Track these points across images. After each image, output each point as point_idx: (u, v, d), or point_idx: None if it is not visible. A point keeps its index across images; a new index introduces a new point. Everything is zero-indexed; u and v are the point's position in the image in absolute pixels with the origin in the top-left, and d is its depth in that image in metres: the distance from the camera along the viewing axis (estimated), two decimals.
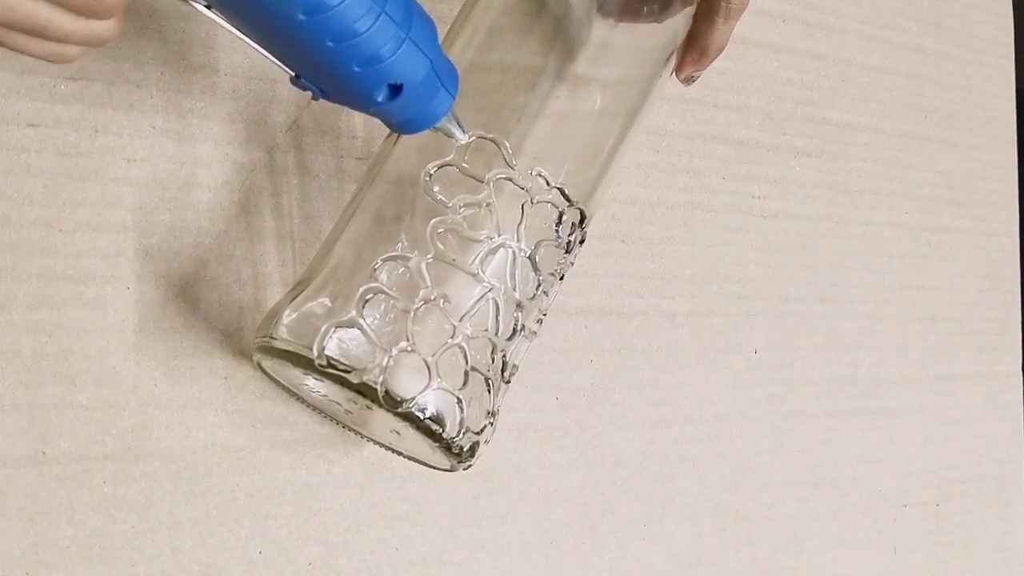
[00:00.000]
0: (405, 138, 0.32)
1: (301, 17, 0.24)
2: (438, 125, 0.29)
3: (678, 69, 0.35)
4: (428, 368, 0.29)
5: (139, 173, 0.33)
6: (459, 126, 0.30)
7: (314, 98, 0.27)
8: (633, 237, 0.43)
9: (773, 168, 0.48)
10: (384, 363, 0.29)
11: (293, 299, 0.31)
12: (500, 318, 0.31)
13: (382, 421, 0.31)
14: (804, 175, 0.49)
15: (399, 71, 0.26)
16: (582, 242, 0.34)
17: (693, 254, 0.45)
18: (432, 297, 0.29)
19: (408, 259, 0.30)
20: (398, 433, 0.32)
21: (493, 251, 0.31)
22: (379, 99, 0.27)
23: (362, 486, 0.36)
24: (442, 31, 0.37)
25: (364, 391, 0.28)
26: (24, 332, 0.31)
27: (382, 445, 0.35)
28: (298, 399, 0.35)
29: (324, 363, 0.29)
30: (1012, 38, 0.60)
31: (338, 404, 0.32)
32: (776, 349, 0.48)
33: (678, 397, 0.44)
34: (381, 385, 0.28)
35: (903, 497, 0.52)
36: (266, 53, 0.26)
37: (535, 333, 0.33)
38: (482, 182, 0.31)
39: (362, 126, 0.37)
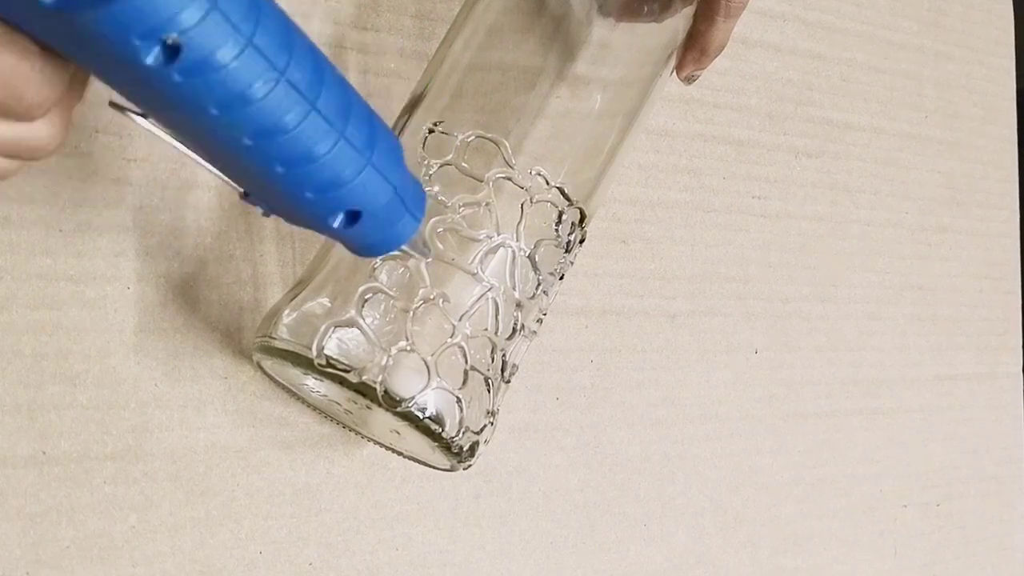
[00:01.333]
0: (405, 137, 0.32)
1: (247, 142, 0.21)
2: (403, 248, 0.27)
3: (679, 68, 0.35)
4: (427, 367, 0.29)
5: (139, 173, 0.33)
6: (425, 246, 0.28)
7: (264, 214, 0.25)
8: (634, 237, 0.43)
9: (774, 168, 0.48)
10: (383, 362, 0.29)
11: (293, 299, 0.31)
12: (500, 318, 0.31)
13: (382, 421, 0.31)
14: (805, 175, 0.49)
15: (358, 198, 0.24)
16: (582, 241, 0.34)
17: (694, 254, 0.45)
18: (431, 296, 0.29)
19: (407, 259, 0.30)
20: (398, 433, 0.32)
21: (493, 250, 0.30)
22: (335, 225, 0.24)
23: (362, 486, 0.36)
24: (442, 31, 0.37)
25: (363, 391, 0.28)
26: (24, 332, 0.31)
27: (383, 445, 0.35)
28: (298, 399, 0.35)
29: (323, 362, 0.29)
30: (1012, 38, 0.60)
31: (338, 404, 0.32)
32: (776, 349, 0.47)
33: (678, 397, 0.44)
34: (380, 384, 0.28)
35: (903, 497, 0.52)
36: (211, 168, 0.24)
37: (535, 333, 0.33)
38: (481, 181, 0.31)
39: None
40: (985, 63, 0.58)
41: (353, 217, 0.24)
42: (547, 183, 0.31)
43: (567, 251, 0.33)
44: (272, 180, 0.23)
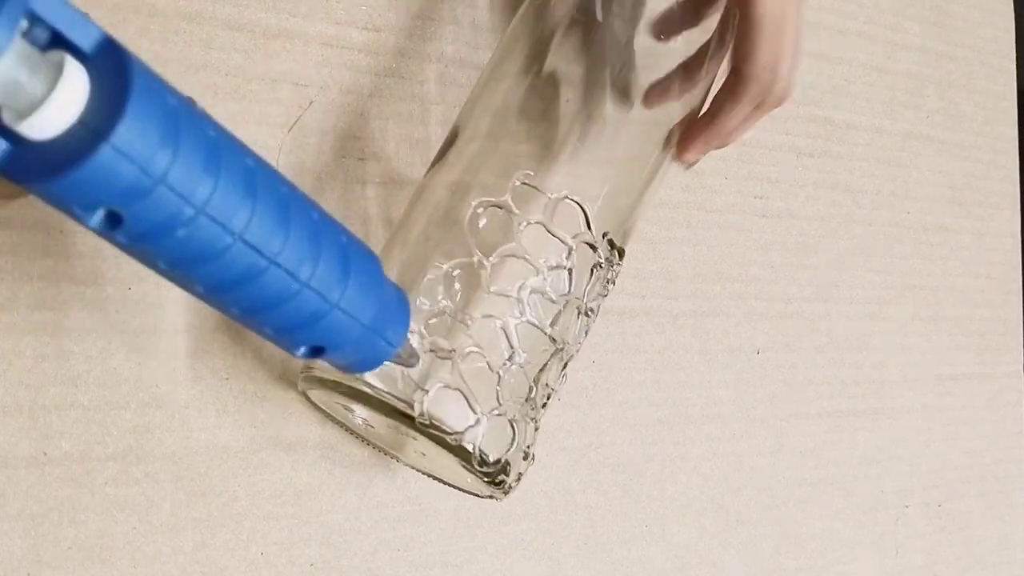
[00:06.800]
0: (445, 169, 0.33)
1: (199, 290, 0.21)
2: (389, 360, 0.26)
3: (682, 148, 0.36)
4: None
5: None
6: (411, 357, 0.27)
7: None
8: (636, 237, 0.43)
9: (775, 168, 0.48)
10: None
11: None
12: (548, 365, 0.32)
13: (420, 448, 0.32)
14: (806, 175, 0.49)
15: (320, 338, 0.23)
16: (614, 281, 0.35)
17: (695, 254, 0.45)
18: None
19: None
20: (424, 454, 0.32)
21: (566, 311, 0.32)
22: (299, 354, 0.24)
23: (364, 487, 0.36)
24: (443, 31, 0.37)
25: (460, 454, 0.29)
26: (26, 333, 0.31)
27: (419, 470, 0.36)
28: (337, 423, 0.35)
29: (426, 422, 0.29)
30: (1013, 38, 0.60)
31: (372, 427, 0.33)
32: (778, 349, 0.47)
33: (680, 398, 0.44)
34: (425, 415, 0.29)
35: (905, 498, 0.52)
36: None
37: (569, 363, 0.34)
38: (569, 245, 0.32)
39: (363, 127, 0.37)
40: (986, 63, 0.58)
41: (318, 350, 0.24)
42: (611, 247, 0.33)
43: (605, 294, 0.35)
44: (230, 315, 0.22)
